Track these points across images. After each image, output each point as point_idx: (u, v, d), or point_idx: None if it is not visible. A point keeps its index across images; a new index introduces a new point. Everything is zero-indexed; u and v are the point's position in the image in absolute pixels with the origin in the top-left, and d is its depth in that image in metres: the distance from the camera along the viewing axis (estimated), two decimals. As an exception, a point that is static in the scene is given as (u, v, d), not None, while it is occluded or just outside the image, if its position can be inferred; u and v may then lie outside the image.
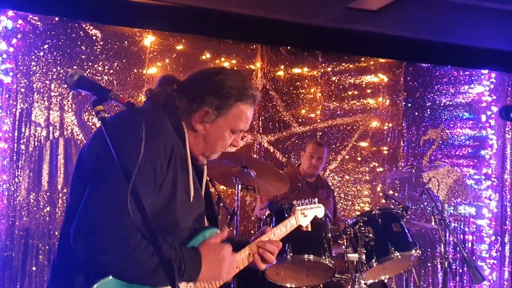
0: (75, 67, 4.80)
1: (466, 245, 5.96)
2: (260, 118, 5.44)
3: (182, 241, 1.77)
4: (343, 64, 5.76)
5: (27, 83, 4.70)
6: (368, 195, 5.76)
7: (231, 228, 3.91)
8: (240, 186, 3.63)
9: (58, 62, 4.78)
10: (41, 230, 4.65)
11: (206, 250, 1.77)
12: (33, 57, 4.71)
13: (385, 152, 5.82)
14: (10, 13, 4.64)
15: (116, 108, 4.24)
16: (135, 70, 4.99)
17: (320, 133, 5.63)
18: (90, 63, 4.88)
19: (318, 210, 2.45)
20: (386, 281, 3.91)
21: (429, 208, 5.57)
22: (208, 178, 3.90)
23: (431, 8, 4.89)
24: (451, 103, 6.08)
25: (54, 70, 4.77)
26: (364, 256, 3.45)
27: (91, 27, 4.88)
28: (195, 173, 1.85)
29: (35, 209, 4.67)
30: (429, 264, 5.81)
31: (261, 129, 5.44)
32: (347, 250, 3.51)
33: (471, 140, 6.09)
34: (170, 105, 1.81)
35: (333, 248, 3.51)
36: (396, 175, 5.47)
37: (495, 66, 6.06)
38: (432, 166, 5.43)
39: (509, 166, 6.16)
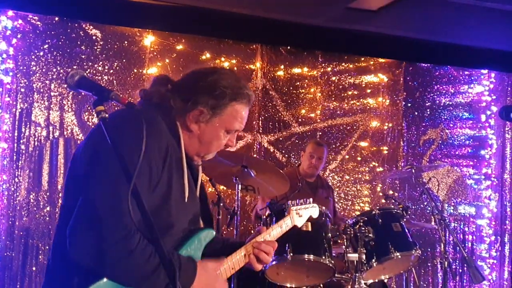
0: (75, 67, 4.80)
1: (466, 245, 5.97)
2: (260, 118, 5.44)
3: (177, 242, 1.77)
4: (343, 64, 5.76)
5: (27, 83, 4.70)
6: (368, 195, 5.76)
7: (231, 228, 3.91)
8: (240, 186, 3.62)
9: (58, 62, 4.78)
10: (41, 230, 4.65)
11: (204, 271, 1.77)
12: (33, 57, 4.71)
13: (385, 152, 5.82)
14: (10, 13, 4.64)
15: (115, 108, 4.24)
16: (135, 70, 4.99)
17: (320, 133, 5.63)
18: (90, 63, 4.88)
19: (313, 210, 2.45)
20: (386, 281, 3.92)
21: (429, 208, 5.56)
22: (208, 178, 3.92)
23: (431, 8, 4.89)
24: (450, 103, 6.08)
25: (54, 70, 4.77)
26: (364, 256, 3.45)
27: (91, 27, 4.88)
28: (190, 174, 1.84)
29: (35, 209, 4.67)
30: (429, 264, 5.81)
31: (261, 129, 5.44)
32: (347, 250, 3.51)
33: (471, 140, 6.10)
34: (164, 105, 1.80)
35: (333, 248, 3.51)
36: (396, 175, 5.47)
37: (494, 66, 6.06)
38: (432, 166, 5.43)
39: (509, 166, 6.16)
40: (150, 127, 1.61)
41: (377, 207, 4.01)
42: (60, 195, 4.71)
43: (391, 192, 5.75)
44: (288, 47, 5.55)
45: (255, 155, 5.29)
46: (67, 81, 1.55)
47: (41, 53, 4.73)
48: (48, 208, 4.68)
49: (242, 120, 1.88)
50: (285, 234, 3.40)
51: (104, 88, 1.52)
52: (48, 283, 1.72)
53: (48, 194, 4.70)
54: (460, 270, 5.87)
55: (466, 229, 6.01)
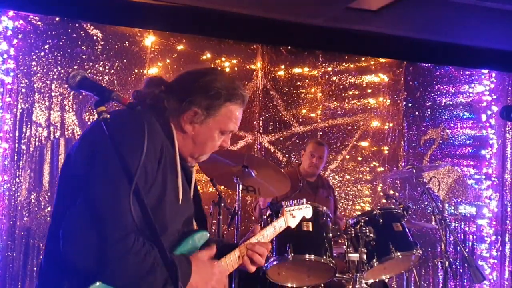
0: (75, 67, 4.81)
1: (467, 244, 5.97)
2: (261, 118, 5.44)
3: (172, 244, 1.75)
4: (344, 64, 5.76)
5: (28, 83, 4.70)
6: (369, 194, 5.76)
7: (232, 228, 3.92)
8: (241, 186, 3.62)
9: (59, 62, 4.78)
10: (42, 230, 4.66)
11: (197, 263, 1.75)
12: (34, 57, 4.72)
13: (386, 152, 5.82)
14: (11, 13, 4.65)
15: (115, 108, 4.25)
16: (136, 70, 5.00)
17: (321, 133, 5.63)
18: (90, 63, 4.88)
19: (306, 211, 2.45)
20: (387, 280, 3.92)
21: (430, 208, 5.59)
22: (209, 178, 3.92)
23: (431, 8, 4.89)
24: (451, 102, 6.08)
25: (55, 70, 4.77)
26: (365, 256, 3.45)
27: (92, 27, 4.89)
28: (184, 175, 1.83)
29: (36, 209, 4.67)
30: (429, 264, 5.82)
31: (261, 129, 5.44)
32: (348, 250, 3.51)
33: (472, 140, 6.10)
34: (158, 106, 1.78)
35: (334, 248, 3.51)
36: (396, 175, 5.47)
37: (495, 65, 6.06)
38: (432, 166, 5.43)
39: (510, 166, 6.16)
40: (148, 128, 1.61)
41: (378, 207, 4.01)
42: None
43: (391, 192, 5.75)
44: (289, 47, 5.56)
45: (255, 155, 5.29)
46: (68, 81, 1.55)
47: (42, 53, 4.73)
48: (49, 208, 4.68)
49: (236, 121, 1.87)
50: (286, 234, 3.42)
51: (105, 89, 1.52)
52: (41, 285, 1.71)
53: (49, 194, 4.70)
54: (461, 270, 5.87)
55: (467, 229, 6.01)
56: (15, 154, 4.65)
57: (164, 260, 1.46)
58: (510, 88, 6.21)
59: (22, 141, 4.67)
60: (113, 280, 1.59)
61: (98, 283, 1.58)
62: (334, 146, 5.67)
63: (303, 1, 4.86)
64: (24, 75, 4.69)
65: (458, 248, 5.65)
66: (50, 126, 4.77)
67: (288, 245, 3.31)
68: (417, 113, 5.97)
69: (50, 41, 4.75)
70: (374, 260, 3.49)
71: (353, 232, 3.51)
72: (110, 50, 4.93)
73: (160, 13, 4.89)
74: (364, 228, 3.49)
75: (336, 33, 5.42)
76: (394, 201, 4.42)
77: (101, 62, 4.91)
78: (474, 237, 6.03)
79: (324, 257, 3.35)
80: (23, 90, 4.69)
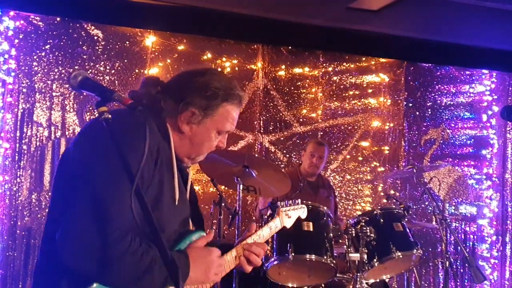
0: (76, 67, 4.81)
1: (467, 244, 5.97)
2: (261, 118, 5.45)
3: (168, 245, 1.75)
4: (344, 64, 5.76)
5: (29, 83, 4.71)
6: (369, 194, 5.76)
7: (232, 228, 3.92)
8: (241, 186, 3.62)
9: (60, 62, 4.79)
10: (43, 230, 4.64)
11: (194, 254, 1.75)
12: (35, 57, 4.72)
13: (386, 151, 5.82)
14: (12, 13, 4.65)
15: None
16: (137, 70, 5.00)
17: (321, 133, 5.64)
18: (91, 63, 4.89)
19: (301, 211, 2.46)
20: (387, 280, 3.92)
21: (430, 208, 5.59)
22: (210, 178, 3.91)
23: (431, 8, 4.89)
24: (452, 102, 6.08)
25: (56, 70, 4.78)
26: (365, 256, 3.45)
27: (93, 27, 4.89)
28: (180, 176, 1.82)
29: (37, 209, 4.68)
30: (430, 264, 5.82)
31: (262, 129, 5.45)
32: (349, 249, 3.51)
33: (472, 140, 6.10)
34: (155, 106, 1.78)
35: (334, 247, 3.51)
36: (397, 175, 5.47)
37: (495, 65, 6.06)
38: (433, 166, 5.43)
39: (510, 166, 6.16)
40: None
41: (379, 207, 4.01)
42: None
43: (392, 192, 5.75)
44: (289, 47, 5.56)
45: (256, 155, 5.29)
46: (70, 82, 1.55)
47: (43, 54, 4.74)
48: (50, 208, 4.69)
49: (233, 121, 1.87)
50: (286, 234, 3.42)
51: (107, 89, 1.52)
52: (38, 285, 1.70)
53: (49, 194, 4.70)
54: (462, 270, 5.87)
55: (467, 229, 6.01)
56: (16, 154, 4.65)
57: (165, 259, 1.46)
58: (510, 88, 6.20)
59: (23, 141, 4.68)
60: (111, 281, 1.59)
61: (95, 285, 1.58)
62: (335, 146, 5.67)
63: (303, 1, 4.86)
64: (25, 75, 4.70)
65: (459, 248, 5.65)
66: (51, 126, 4.78)
67: (288, 245, 3.32)
68: (417, 113, 5.97)
69: (51, 41, 4.76)
70: (375, 260, 3.50)
71: (353, 232, 3.51)
72: (111, 50, 4.94)
73: (161, 13, 4.90)
74: (364, 228, 3.49)
75: (336, 33, 5.42)
76: (394, 201, 4.42)
77: (102, 62, 4.91)
78: (475, 237, 6.03)
79: (325, 257, 3.35)
80: (24, 90, 4.70)
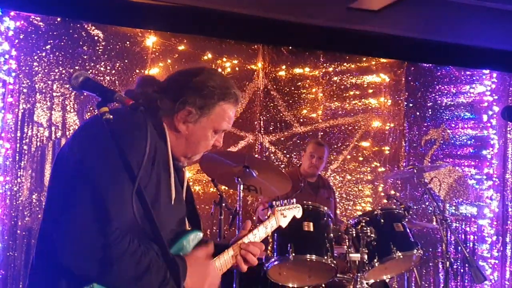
0: (77, 67, 4.82)
1: (468, 245, 5.97)
2: (262, 118, 5.45)
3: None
4: (345, 64, 5.76)
5: (29, 84, 4.71)
6: (370, 195, 5.76)
7: (233, 228, 3.92)
8: (242, 186, 3.63)
9: (60, 62, 4.79)
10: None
11: (193, 262, 1.75)
12: (35, 57, 4.72)
13: (387, 152, 5.82)
14: (13, 13, 4.66)
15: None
16: (137, 71, 5.00)
17: (322, 133, 5.64)
18: (92, 64, 4.89)
19: (296, 211, 2.47)
20: (387, 280, 3.92)
21: (431, 208, 5.59)
22: (211, 179, 3.91)
23: (432, 8, 4.90)
24: (452, 103, 6.08)
25: (56, 70, 4.78)
26: (366, 256, 3.46)
27: (93, 28, 4.89)
28: (176, 175, 1.81)
29: (37, 209, 4.68)
30: (430, 264, 5.82)
31: (262, 129, 5.45)
32: (349, 250, 3.51)
33: (473, 140, 6.09)
34: (151, 105, 1.77)
35: (335, 248, 3.51)
36: (397, 175, 5.47)
37: (496, 66, 6.06)
38: (433, 166, 5.43)
39: (511, 166, 6.16)
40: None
41: (379, 207, 4.01)
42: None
43: (392, 192, 5.75)
44: (290, 47, 5.56)
45: (256, 155, 5.29)
46: (71, 82, 1.55)
47: (43, 54, 4.74)
48: (50, 208, 4.69)
49: (229, 120, 1.87)
50: (287, 235, 3.42)
51: (108, 90, 1.52)
52: (34, 285, 1.68)
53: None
54: (462, 270, 5.87)
55: (468, 229, 6.01)
56: (17, 154, 4.66)
57: (166, 259, 1.45)
58: (511, 89, 6.20)
59: (24, 141, 4.68)
60: (110, 281, 1.58)
61: (94, 285, 1.57)
62: (335, 146, 5.67)
63: (304, 1, 4.87)
64: (25, 76, 4.70)
65: (459, 248, 5.65)
66: (52, 126, 4.78)
67: (289, 245, 3.32)
68: (418, 113, 5.97)
69: (51, 41, 4.76)
70: (375, 260, 3.50)
71: (354, 232, 3.51)
72: (112, 50, 4.94)
73: (161, 14, 4.90)
74: (365, 228, 3.49)
75: (337, 33, 5.42)
76: (395, 201, 4.42)
77: (103, 63, 4.91)
78: (475, 237, 6.03)
79: (325, 257, 3.36)
80: (25, 90, 4.70)
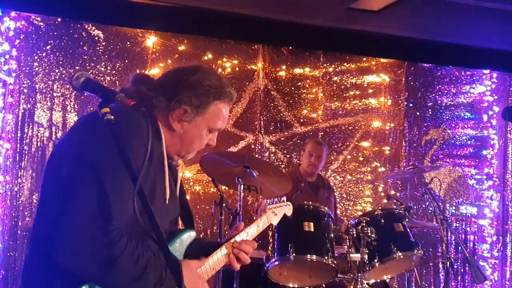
0: (77, 67, 4.82)
1: (468, 245, 5.97)
2: (262, 118, 5.45)
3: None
4: (345, 64, 5.76)
5: (29, 84, 4.71)
6: (370, 195, 5.77)
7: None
8: (242, 186, 3.63)
9: (61, 62, 4.79)
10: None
11: (187, 267, 1.76)
12: (36, 57, 4.72)
13: (387, 152, 5.83)
14: (13, 13, 4.66)
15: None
16: (138, 71, 4.99)
17: (322, 133, 5.64)
18: (92, 64, 4.89)
19: (286, 208, 2.52)
20: (388, 281, 3.92)
21: (431, 208, 5.59)
22: (211, 179, 3.91)
23: (432, 8, 4.89)
24: (452, 103, 6.08)
25: (57, 70, 4.78)
26: (366, 256, 3.46)
27: (94, 28, 4.89)
28: (170, 174, 1.82)
29: (38, 209, 4.67)
30: (431, 264, 5.82)
31: (262, 129, 5.45)
32: (350, 250, 3.51)
33: (473, 140, 6.10)
34: (146, 104, 1.76)
35: (335, 248, 3.52)
36: (398, 175, 5.47)
37: (496, 66, 6.06)
38: (433, 166, 5.43)
39: (511, 166, 6.16)
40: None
41: (379, 207, 4.02)
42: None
43: (393, 192, 5.75)
44: (290, 47, 5.56)
45: (256, 155, 5.29)
46: (72, 83, 1.55)
47: (44, 54, 4.74)
48: (51, 209, 4.69)
49: (224, 119, 1.88)
50: (287, 235, 3.43)
51: (109, 90, 1.53)
52: (28, 285, 1.68)
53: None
54: (462, 270, 5.87)
55: (468, 229, 6.02)
56: (17, 155, 4.66)
57: (168, 259, 1.45)
58: (511, 89, 6.21)
59: (24, 142, 4.68)
60: (107, 281, 1.58)
61: (91, 284, 1.57)
62: (335, 146, 5.67)
63: (304, 1, 4.86)
64: (26, 76, 4.70)
65: (460, 248, 5.65)
66: (52, 127, 4.78)
67: (289, 245, 3.32)
68: (418, 113, 5.98)
69: (52, 41, 4.76)
70: (376, 260, 3.50)
71: (354, 232, 3.52)
72: (112, 50, 4.94)
73: (162, 14, 4.90)
74: (365, 229, 3.49)
75: (337, 34, 5.42)
76: (395, 201, 4.42)
77: (103, 63, 4.91)
78: (476, 237, 6.03)
79: (326, 258, 3.36)
80: (25, 90, 4.70)
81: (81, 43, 4.85)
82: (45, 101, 4.77)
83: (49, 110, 4.77)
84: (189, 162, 5.07)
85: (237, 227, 2.12)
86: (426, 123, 5.98)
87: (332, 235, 3.50)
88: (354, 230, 3.52)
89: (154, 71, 5.03)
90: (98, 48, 4.90)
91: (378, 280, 3.76)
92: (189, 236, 1.87)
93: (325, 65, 5.69)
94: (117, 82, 4.93)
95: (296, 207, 3.51)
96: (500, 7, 4.77)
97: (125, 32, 5.00)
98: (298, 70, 5.61)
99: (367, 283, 3.54)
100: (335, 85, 5.73)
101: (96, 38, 4.90)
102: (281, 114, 5.52)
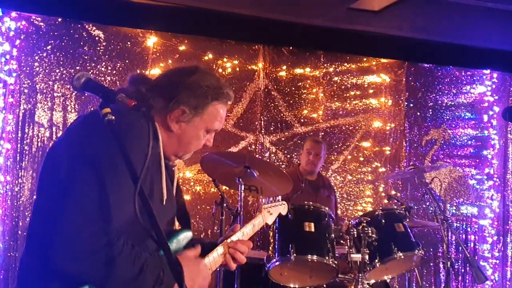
0: (78, 68, 4.82)
1: (469, 245, 5.97)
2: (262, 118, 5.45)
3: (156, 246, 1.71)
4: (345, 64, 5.76)
5: (30, 84, 4.72)
6: (371, 195, 5.77)
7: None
8: (243, 186, 3.63)
9: (61, 62, 4.79)
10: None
11: (185, 262, 1.72)
12: (36, 57, 4.73)
13: (387, 152, 5.83)
14: (14, 14, 4.66)
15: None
16: (138, 71, 4.99)
17: (322, 133, 5.64)
18: (93, 64, 4.89)
19: (281, 208, 2.54)
20: (388, 281, 3.92)
21: (432, 208, 5.59)
22: (212, 179, 3.92)
23: (432, 8, 4.89)
24: (453, 103, 6.08)
25: (57, 70, 4.78)
26: (367, 256, 3.46)
27: (94, 28, 4.90)
28: (167, 174, 1.81)
29: (38, 209, 4.68)
30: (431, 264, 5.82)
31: (263, 129, 5.45)
32: (350, 250, 3.51)
33: (473, 140, 6.10)
34: (144, 105, 1.72)
35: (336, 248, 3.52)
36: (398, 175, 5.47)
37: (497, 66, 6.06)
38: (434, 166, 5.43)
39: (511, 166, 6.16)
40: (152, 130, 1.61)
41: (380, 208, 4.02)
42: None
43: (393, 192, 5.75)
44: (290, 48, 5.56)
45: (257, 156, 5.29)
46: (73, 83, 1.55)
47: (44, 54, 4.74)
48: (51, 209, 4.68)
49: (221, 119, 1.88)
50: (288, 235, 3.43)
51: (110, 91, 1.53)
52: (23, 286, 1.67)
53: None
54: (463, 270, 5.87)
55: (469, 229, 6.01)
56: (18, 155, 4.66)
57: (169, 259, 1.45)
58: (511, 89, 6.20)
59: (25, 142, 4.69)
60: (105, 283, 1.57)
61: (87, 287, 1.57)
62: (336, 146, 5.67)
63: (304, 1, 4.86)
64: (26, 76, 4.70)
65: (460, 248, 5.65)
66: (53, 127, 4.78)
67: (290, 245, 3.32)
68: (418, 113, 5.98)
69: (52, 41, 4.76)
70: (376, 260, 3.50)
71: (355, 232, 3.51)
72: (112, 50, 4.94)
73: (162, 14, 4.90)
74: (366, 229, 3.49)
75: (337, 34, 5.42)
76: (396, 201, 4.42)
77: (103, 63, 4.92)
78: (476, 237, 6.03)
79: (327, 258, 3.36)
80: (26, 90, 4.70)
81: (82, 43, 4.85)
82: (46, 101, 4.77)
83: (49, 110, 4.77)
84: (189, 162, 5.07)
85: (233, 228, 2.12)
86: (426, 123, 5.98)
87: (332, 235, 3.50)
88: (355, 230, 3.52)
89: (155, 71, 5.03)
90: (98, 48, 4.90)
91: (379, 280, 3.76)
92: (185, 236, 1.87)
93: (325, 65, 5.69)
94: (118, 82, 4.93)
95: (296, 207, 3.54)
96: (500, 7, 4.77)
97: (125, 32, 5.01)
98: (298, 70, 5.62)
99: (368, 283, 3.54)
100: (335, 85, 5.73)
101: (97, 38, 4.91)
102: (282, 114, 5.52)
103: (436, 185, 5.60)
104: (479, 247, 6.02)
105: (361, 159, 5.76)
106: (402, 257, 3.53)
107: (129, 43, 5.01)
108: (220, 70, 5.28)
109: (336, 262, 3.40)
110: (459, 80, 6.12)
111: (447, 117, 6.05)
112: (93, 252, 1.53)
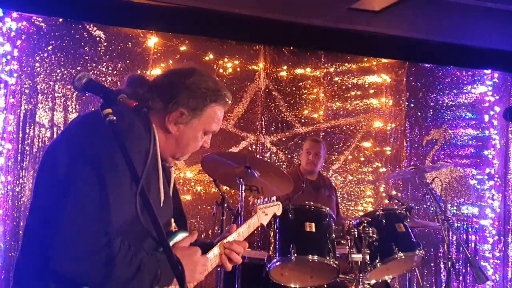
0: (79, 68, 4.82)
1: (469, 245, 5.97)
2: (263, 119, 5.45)
3: (154, 247, 1.72)
4: (346, 64, 5.76)
5: (31, 84, 4.72)
6: (371, 195, 5.77)
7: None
8: (243, 187, 3.63)
9: (62, 63, 4.80)
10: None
11: (180, 253, 1.73)
12: (37, 58, 4.73)
13: (388, 152, 5.83)
14: (15, 14, 4.67)
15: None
16: (139, 71, 5.00)
17: (323, 134, 5.64)
18: (94, 64, 4.90)
19: (276, 208, 2.56)
20: (389, 281, 3.92)
21: (432, 208, 5.59)
22: (212, 179, 3.92)
23: (433, 8, 4.89)
24: (453, 103, 6.08)
25: (58, 71, 4.79)
26: (368, 257, 3.46)
27: (95, 28, 4.90)
28: (164, 176, 1.81)
29: (39, 209, 4.68)
30: (432, 264, 5.82)
31: (264, 129, 5.45)
32: (351, 250, 3.52)
33: (474, 140, 6.09)
34: (143, 106, 1.73)
35: (337, 248, 3.52)
36: (399, 176, 5.47)
37: (497, 66, 6.06)
38: (435, 166, 5.43)
39: (512, 166, 6.16)
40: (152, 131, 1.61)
41: (381, 208, 4.02)
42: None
43: (394, 192, 5.75)
44: (291, 48, 5.56)
45: (257, 156, 5.30)
46: (74, 83, 1.55)
47: (45, 54, 4.75)
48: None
49: (219, 121, 1.89)
50: (289, 235, 3.43)
51: (112, 91, 1.53)
52: (21, 285, 1.65)
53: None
54: (464, 271, 5.87)
55: (470, 229, 6.01)
56: (19, 155, 4.66)
57: (170, 260, 1.45)
58: (512, 88, 6.21)
59: (26, 142, 4.69)
60: (104, 283, 1.57)
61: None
62: (337, 146, 5.67)
63: (305, 1, 4.86)
64: (27, 76, 4.71)
65: (461, 248, 5.65)
66: (53, 127, 4.79)
67: (291, 245, 3.32)
68: (419, 113, 5.98)
69: (53, 42, 4.76)
70: (377, 260, 3.51)
71: (356, 232, 3.52)
72: (113, 51, 4.95)
73: (163, 14, 4.91)
74: (367, 229, 3.49)
75: (338, 34, 5.43)
76: (396, 201, 4.42)
77: (104, 63, 4.92)
78: (477, 237, 6.03)
79: (327, 258, 3.36)
80: (27, 91, 4.71)
81: (83, 44, 4.85)
82: (47, 102, 4.77)
83: (50, 111, 4.78)
84: (190, 163, 5.07)
85: (229, 229, 2.13)
86: (427, 123, 5.98)
87: (333, 235, 3.50)
88: (356, 230, 3.52)
89: (156, 72, 5.03)
90: (99, 49, 4.90)
91: (380, 281, 3.76)
92: (182, 237, 1.87)
93: (326, 65, 5.70)
94: (119, 83, 4.93)
95: (297, 207, 3.55)
96: (500, 7, 4.77)
97: (126, 33, 5.01)
98: (299, 71, 5.62)
99: (369, 284, 3.54)
100: (336, 85, 5.73)
101: (98, 38, 4.91)
102: (282, 115, 5.52)
103: (436, 185, 5.60)
104: (480, 247, 6.02)
105: (362, 159, 5.76)
106: (403, 257, 3.53)
107: (130, 43, 5.01)
108: (221, 70, 5.29)
109: (337, 262, 3.40)
110: (459, 80, 6.12)
111: (448, 117, 6.05)
112: (93, 252, 1.52)
